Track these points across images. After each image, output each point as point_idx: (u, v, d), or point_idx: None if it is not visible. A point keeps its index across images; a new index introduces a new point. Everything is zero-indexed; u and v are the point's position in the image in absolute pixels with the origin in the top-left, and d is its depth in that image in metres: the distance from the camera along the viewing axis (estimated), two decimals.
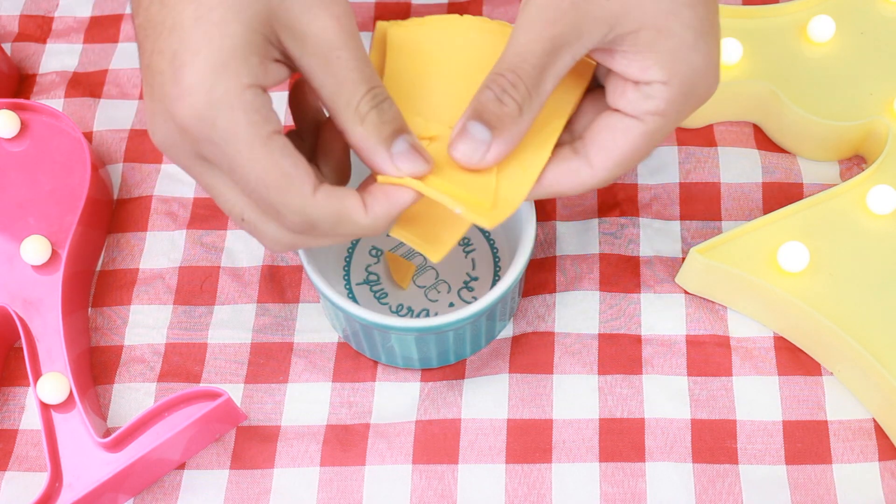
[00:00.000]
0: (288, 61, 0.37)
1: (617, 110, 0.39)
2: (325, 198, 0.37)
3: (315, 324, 0.50)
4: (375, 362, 0.49)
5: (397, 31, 0.42)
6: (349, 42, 0.37)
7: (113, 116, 0.57)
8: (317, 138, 0.41)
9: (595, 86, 0.42)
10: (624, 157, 0.39)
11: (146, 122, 0.38)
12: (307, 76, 0.37)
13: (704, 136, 0.55)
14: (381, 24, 0.43)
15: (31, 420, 0.48)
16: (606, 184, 0.40)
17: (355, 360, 0.49)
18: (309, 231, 0.37)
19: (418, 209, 0.40)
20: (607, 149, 0.39)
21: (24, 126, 0.53)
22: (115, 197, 0.54)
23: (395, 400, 0.48)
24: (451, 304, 0.50)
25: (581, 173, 0.40)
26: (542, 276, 0.51)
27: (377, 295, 0.50)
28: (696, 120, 0.55)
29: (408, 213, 0.40)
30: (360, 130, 0.37)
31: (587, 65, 0.41)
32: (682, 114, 0.39)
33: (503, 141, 0.38)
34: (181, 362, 0.49)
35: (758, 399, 0.47)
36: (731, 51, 0.53)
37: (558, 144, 0.41)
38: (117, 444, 0.46)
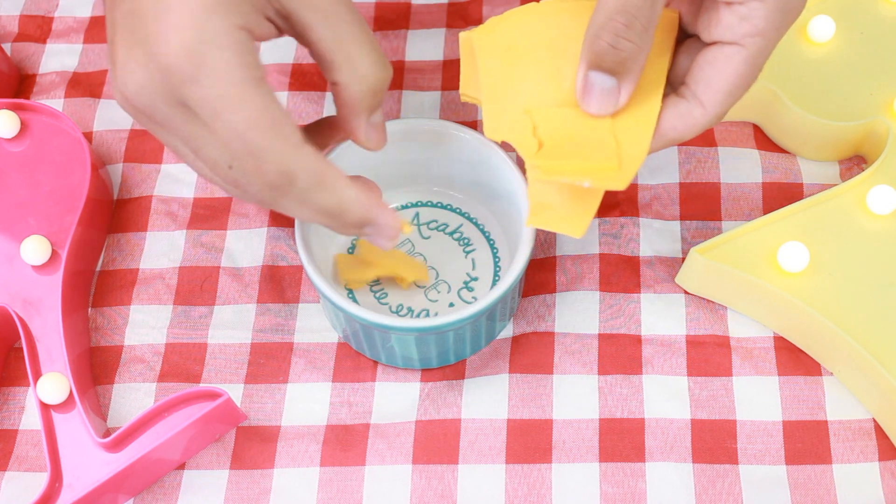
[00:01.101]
0: (279, 20, 0.37)
1: (714, 43, 0.39)
2: (311, 153, 0.36)
3: (315, 324, 0.50)
4: (375, 362, 0.49)
5: (482, 37, 0.43)
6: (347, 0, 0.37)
7: (113, 116, 0.57)
8: None
9: (683, 38, 0.42)
10: (732, 86, 0.39)
11: (114, 76, 0.35)
12: (304, 31, 0.36)
13: (704, 136, 0.55)
14: (463, 35, 0.43)
15: (31, 420, 0.48)
16: (719, 119, 0.40)
17: (355, 360, 0.49)
18: (285, 187, 0.36)
19: (548, 198, 0.41)
20: (714, 82, 0.39)
21: (24, 126, 0.53)
22: (115, 197, 0.54)
23: (395, 400, 0.48)
24: (451, 305, 0.50)
25: (694, 113, 0.40)
26: (542, 276, 0.51)
27: (377, 295, 0.50)
28: None
29: (538, 200, 0.41)
30: (355, 90, 0.37)
31: (672, 17, 0.42)
32: (780, 31, 0.39)
33: (630, 81, 0.39)
34: (181, 362, 0.49)
35: (758, 399, 0.47)
36: None
37: (662, 98, 0.41)
38: (117, 444, 0.46)
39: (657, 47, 0.41)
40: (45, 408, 0.47)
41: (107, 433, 0.47)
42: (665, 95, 0.41)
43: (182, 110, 0.35)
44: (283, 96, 0.56)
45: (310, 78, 0.57)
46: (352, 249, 0.52)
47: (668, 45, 0.41)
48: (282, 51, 0.58)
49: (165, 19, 0.33)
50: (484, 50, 0.43)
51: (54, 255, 0.50)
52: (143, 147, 0.56)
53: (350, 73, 0.38)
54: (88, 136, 0.56)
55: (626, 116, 0.40)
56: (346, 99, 0.38)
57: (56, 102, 0.57)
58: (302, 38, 0.37)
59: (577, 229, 0.41)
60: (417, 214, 0.52)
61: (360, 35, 0.37)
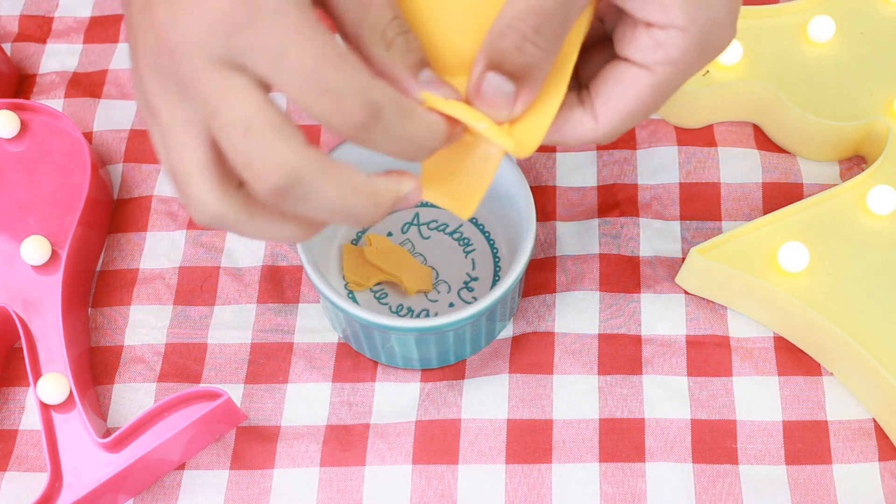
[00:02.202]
0: None
1: (625, 59, 0.37)
2: (385, 84, 0.33)
3: (315, 324, 0.50)
4: (375, 362, 0.49)
5: None
6: None
7: (113, 116, 0.57)
8: None
9: (603, 38, 0.40)
10: (630, 110, 0.37)
11: (152, 33, 0.33)
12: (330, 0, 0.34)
13: (704, 136, 0.55)
14: None
15: (31, 420, 0.48)
16: (610, 139, 0.38)
17: (355, 360, 0.49)
18: (373, 121, 0.32)
19: (441, 167, 0.38)
20: (613, 101, 0.37)
21: (24, 126, 0.53)
22: (115, 197, 0.54)
23: (395, 400, 0.48)
24: (451, 305, 0.50)
25: (584, 125, 0.37)
26: (542, 276, 0.51)
27: (377, 295, 0.50)
28: (696, 120, 0.55)
29: (432, 172, 0.38)
30: (387, 56, 0.35)
31: (588, 13, 0.38)
32: (694, 67, 0.36)
33: (529, 90, 0.36)
34: (181, 362, 0.49)
35: (758, 399, 0.47)
36: (731, 51, 0.53)
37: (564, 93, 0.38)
38: (117, 445, 0.46)
39: (567, 44, 0.37)
40: (45, 408, 0.47)
41: (107, 433, 0.47)
42: (568, 91, 0.38)
43: (218, 64, 0.32)
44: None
45: None
46: (356, 242, 0.52)
47: (581, 29, 0.37)
48: None
49: None
50: None
51: (54, 255, 0.50)
52: (143, 147, 0.56)
53: (378, 41, 0.35)
54: (88, 136, 0.56)
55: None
56: (381, 68, 0.35)
57: (56, 102, 0.57)
58: (327, 7, 0.35)
59: (466, 208, 0.38)
60: (417, 214, 0.52)
61: (388, 6, 0.35)
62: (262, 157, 0.32)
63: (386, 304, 0.50)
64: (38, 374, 0.47)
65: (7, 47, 0.60)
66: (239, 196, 0.34)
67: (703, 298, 0.50)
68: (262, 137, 0.32)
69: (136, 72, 0.34)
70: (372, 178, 0.34)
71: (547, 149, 0.55)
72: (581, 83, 0.39)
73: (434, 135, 0.35)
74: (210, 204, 0.33)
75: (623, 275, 0.51)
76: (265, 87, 0.32)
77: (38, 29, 0.61)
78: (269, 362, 0.49)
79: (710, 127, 0.55)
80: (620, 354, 0.48)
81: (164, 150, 0.34)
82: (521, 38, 0.34)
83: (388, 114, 0.33)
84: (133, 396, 0.49)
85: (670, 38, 0.35)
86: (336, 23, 0.35)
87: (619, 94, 0.36)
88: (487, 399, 0.48)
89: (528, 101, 0.36)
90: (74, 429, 0.46)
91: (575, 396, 0.47)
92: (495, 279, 0.51)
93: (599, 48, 0.39)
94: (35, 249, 0.49)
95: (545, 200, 0.53)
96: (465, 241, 0.52)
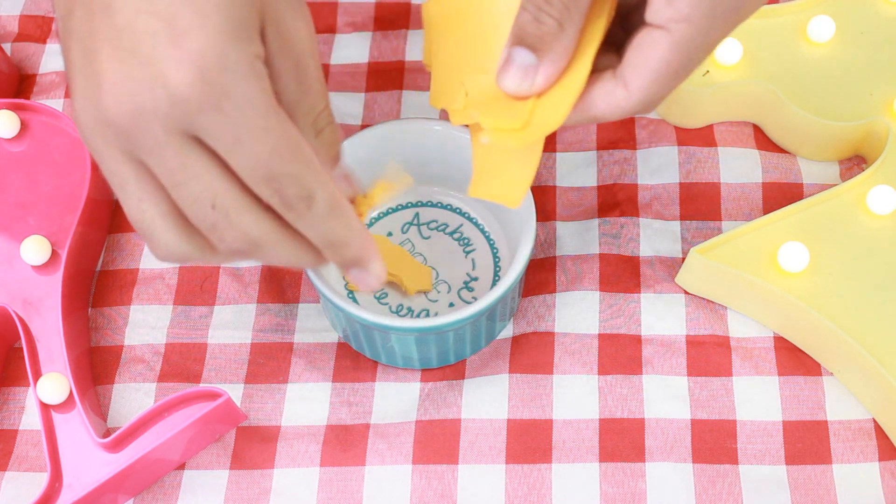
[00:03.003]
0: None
1: (646, 24, 0.37)
2: (328, 179, 0.36)
3: (315, 324, 0.50)
4: (375, 362, 0.49)
5: (433, 6, 0.42)
6: (315, 52, 0.36)
7: None
8: None
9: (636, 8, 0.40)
10: (656, 73, 0.37)
11: (97, 92, 0.33)
12: (273, 76, 0.35)
13: (704, 136, 0.55)
14: (425, 4, 0.42)
15: (31, 420, 0.48)
16: (646, 108, 0.38)
17: (355, 360, 0.49)
18: (305, 208, 0.35)
19: (485, 166, 0.40)
20: (639, 67, 0.37)
21: (24, 126, 0.53)
22: (115, 197, 0.54)
23: (395, 400, 0.48)
24: (451, 305, 0.50)
25: (617, 95, 0.38)
26: (542, 276, 0.51)
27: (377, 295, 0.50)
28: (696, 120, 0.55)
29: (477, 174, 0.40)
30: (315, 142, 0.37)
31: None
32: (710, 21, 0.36)
33: (550, 61, 0.37)
34: (181, 362, 0.49)
35: (758, 399, 0.47)
36: (731, 51, 0.53)
37: (604, 69, 0.39)
38: (117, 445, 0.46)
39: (591, 19, 0.38)
40: (45, 408, 0.47)
41: (107, 433, 0.47)
42: (605, 68, 0.39)
43: (180, 138, 0.33)
44: None
45: None
46: None
47: (603, 17, 0.38)
48: None
49: (182, 44, 0.32)
50: (434, 19, 0.42)
51: (54, 255, 0.50)
52: None
53: (308, 128, 0.37)
54: None
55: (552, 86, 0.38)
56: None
57: (56, 102, 0.57)
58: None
59: (514, 200, 0.40)
60: (417, 214, 0.52)
61: (323, 94, 0.37)
62: (228, 228, 0.35)
63: (386, 304, 0.50)
64: (38, 374, 0.47)
65: (7, 47, 0.60)
66: (200, 236, 0.36)
67: (703, 298, 0.50)
68: (228, 213, 0.35)
69: (76, 113, 0.35)
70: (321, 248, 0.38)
71: (547, 148, 0.55)
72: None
73: (354, 244, 0.37)
74: (177, 248, 0.36)
75: (623, 275, 0.51)
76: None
77: (38, 29, 0.61)
78: (269, 362, 0.49)
79: (710, 127, 0.55)
80: (620, 354, 0.48)
81: (121, 199, 0.36)
82: (537, 8, 0.36)
83: (321, 204, 0.35)
84: (133, 396, 0.49)
85: None
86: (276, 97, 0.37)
87: (643, 59, 0.37)
88: (487, 399, 0.48)
89: (550, 74, 0.37)
90: (74, 429, 0.46)
91: (575, 396, 0.47)
92: (495, 279, 0.51)
93: (634, 22, 0.39)
94: (35, 249, 0.49)
95: (545, 200, 0.53)
96: (465, 241, 0.52)
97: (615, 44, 0.39)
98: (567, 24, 0.36)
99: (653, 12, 0.36)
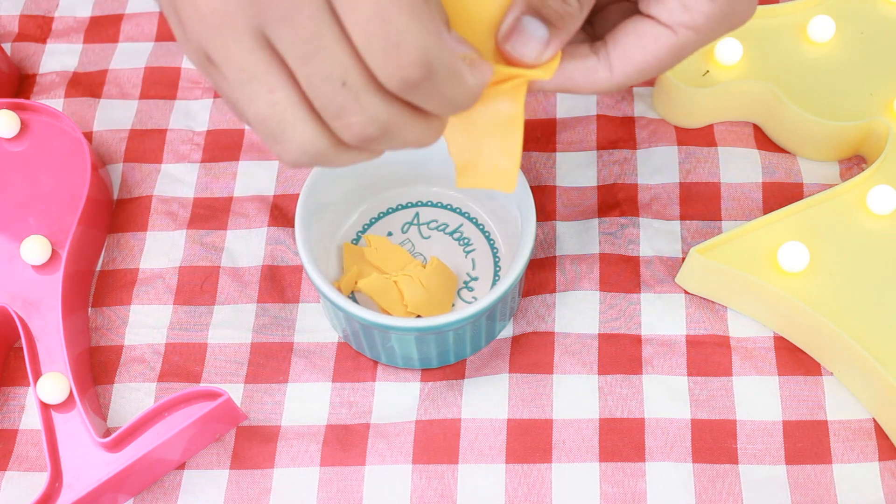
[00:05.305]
0: None
1: (649, 16, 0.37)
2: (451, 43, 0.33)
3: (315, 324, 0.50)
4: (375, 362, 0.49)
5: None
6: None
7: (113, 116, 0.57)
8: None
9: None
10: (646, 65, 0.38)
11: None
12: None
13: (704, 136, 0.55)
14: None
15: (31, 420, 0.48)
16: (621, 89, 0.39)
17: (355, 360, 0.49)
18: (423, 81, 0.32)
19: (470, 154, 0.39)
20: (631, 54, 0.37)
21: (24, 126, 0.53)
22: (115, 197, 0.54)
23: (395, 400, 0.48)
24: (452, 304, 0.50)
25: (598, 74, 0.38)
26: (542, 276, 0.51)
27: None
28: (696, 120, 0.55)
29: (462, 158, 0.39)
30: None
31: None
32: (715, 34, 0.37)
33: (562, 38, 0.37)
34: (181, 362, 0.49)
35: (758, 399, 0.47)
36: (731, 51, 0.53)
37: (576, 42, 0.39)
38: (117, 444, 0.46)
39: None
40: (45, 408, 0.47)
41: (107, 433, 0.47)
42: (580, 42, 0.39)
43: (314, 4, 0.31)
44: None
45: None
46: (356, 241, 0.52)
47: None
48: None
49: None
50: None
51: (54, 255, 0.50)
52: (143, 147, 0.56)
53: None
54: (88, 136, 0.56)
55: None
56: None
57: (56, 102, 0.57)
58: None
59: (508, 184, 0.39)
60: (417, 214, 0.52)
61: None
62: (357, 112, 0.32)
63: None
64: (38, 374, 0.47)
65: (7, 47, 0.60)
66: (329, 130, 0.34)
67: (703, 298, 0.50)
68: (359, 93, 0.32)
69: (184, 22, 0.33)
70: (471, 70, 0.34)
71: (547, 148, 0.55)
72: (596, 35, 0.40)
73: (470, 99, 0.35)
74: (311, 143, 0.34)
75: (623, 275, 0.51)
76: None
77: (38, 29, 0.61)
78: (269, 362, 0.49)
79: (710, 127, 0.55)
80: (620, 354, 0.48)
81: (246, 97, 0.33)
82: None
83: (440, 76, 0.33)
84: (133, 396, 0.49)
85: (698, 4, 0.36)
86: None
87: (638, 48, 0.37)
88: (487, 399, 0.48)
89: (557, 49, 0.37)
90: (74, 429, 0.46)
91: (575, 396, 0.47)
92: (495, 279, 0.51)
93: (616, 3, 0.40)
94: (35, 249, 0.49)
95: (545, 200, 0.53)
96: (465, 241, 0.52)
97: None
98: (585, 5, 0.36)
99: (663, 9, 0.37)
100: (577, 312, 0.50)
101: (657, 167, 0.54)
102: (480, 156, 0.39)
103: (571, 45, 0.38)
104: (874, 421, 0.47)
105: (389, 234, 0.52)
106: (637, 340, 0.49)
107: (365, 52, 0.32)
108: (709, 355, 0.48)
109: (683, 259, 0.51)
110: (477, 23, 0.37)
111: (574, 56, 0.38)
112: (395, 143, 0.35)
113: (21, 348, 0.49)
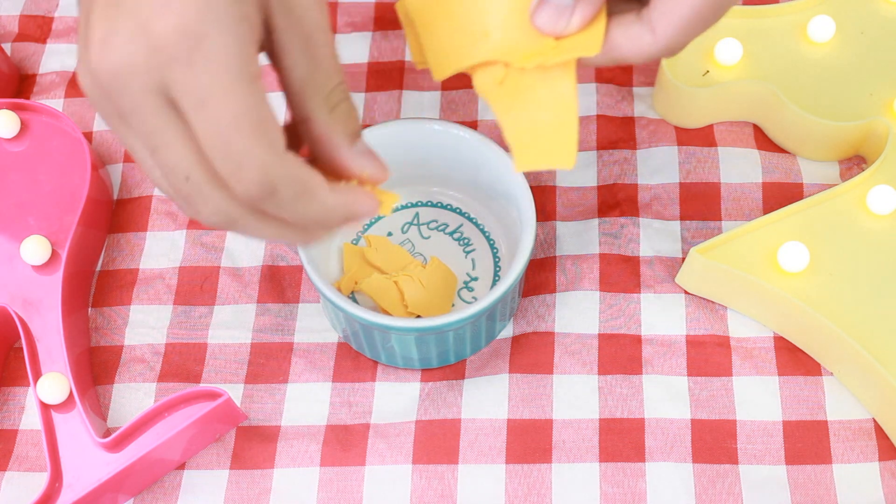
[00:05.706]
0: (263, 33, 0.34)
1: None
2: (293, 160, 0.33)
3: (315, 324, 0.50)
4: (375, 362, 0.49)
5: (406, 4, 0.41)
6: (328, 27, 0.35)
7: None
8: None
9: None
10: (686, 21, 0.37)
11: (87, 54, 0.32)
12: (281, 53, 0.34)
13: (704, 136, 0.55)
14: (398, 4, 0.41)
15: (31, 420, 0.48)
16: (670, 52, 0.38)
17: (355, 360, 0.49)
18: (265, 198, 0.33)
19: (520, 133, 0.39)
20: (669, 13, 0.37)
21: (24, 126, 0.53)
22: (115, 197, 0.54)
23: (395, 400, 0.48)
24: (451, 305, 0.50)
25: (643, 39, 0.38)
26: (542, 276, 0.51)
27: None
28: (696, 120, 0.55)
29: (516, 145, 0.39)
30: (329, 119, 0.35)
31: None
32: None
33: (587, 3, 0.37)
34: (181, 362, 0.49)
35: (758, 399, 0.47)
36: (731, 51, 0.53)
37: (624, 11, 0.39)
38: (117, 444, 0.46)
39: None
40: (45, 408, 0.47)
41: (107, 433, 0.47)
42: (626, 11, 0.39)
43: (156, 99, 0.32)
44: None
45: None
46: (356, 241, 0.52)
47: None
48: None
49: None
50: (412, 14, 0.41)
51: (54, 255, 0.50)
52: None
53: (321, 104, 0.35)
54: (88, 136, 0.56)
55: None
56: (318, 132, 0.36)
57: (56, 102, 0.57)
58: (275, 59, 0.35)
59: (567, 159, 0.39)
60: (417, 214, 0.52)
61: (337, 70, 0.35)
62: (202, 203, 0.33)
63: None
64: (38, 374, 0.47)
65: (7, 47, 0.60)
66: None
67: (703, 298, 0.50)
68: (201, 188, 0.33)
69: (79, 79, 0.34)
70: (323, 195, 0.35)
71: None
72: (643, 1, 0.39)
73: (330, 215, 0.35)
74: (215, 211, 0.34)
75: (623, 275, 0.51)
76: None
77: (38, 29, 0.61)
78: (269, 362, 0.49)
79: (710, 127, 0.55)
80: (620, 354, 0.48)
81: (135, 159, 0.35)
82: None
83: (285, 193, 0.33)
84: (133, 396, 0.49)
85: None
86: (281, 76, 0.35)
87: (673, 5, 0.37)
88: (487, 399, 0.48)
89: (587, 16, 0.37)
90: (74, 429, 0.46)
91: (575, 396, 0.47)
92: (495, 279, 0.51)
93: None
94: (35, 249, 0.49)
95: (545, 200, 0.53)
96: (465, 241, 0.52)
97: None
98: None
99: None
100: (577, 312, 0.50)
101: (657, 167, 0.54)
102: (537, 136, 0.39)
103: (617, 16, 0.38)
104: (874, 421, 0.47)
105: (389, 234, 0.52)
106: (637, 340, 0.49)
107: (211, 159, 0.32)
108: (709, 355, 0.48)
109: (683, 259, 0.51)
110: (519, 13, 0.38)
111: (619, 25, 0.38)
112: (250, 235, 0.35)
113: (21, 348, 0.49)
